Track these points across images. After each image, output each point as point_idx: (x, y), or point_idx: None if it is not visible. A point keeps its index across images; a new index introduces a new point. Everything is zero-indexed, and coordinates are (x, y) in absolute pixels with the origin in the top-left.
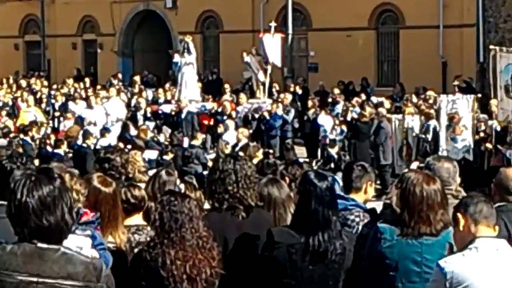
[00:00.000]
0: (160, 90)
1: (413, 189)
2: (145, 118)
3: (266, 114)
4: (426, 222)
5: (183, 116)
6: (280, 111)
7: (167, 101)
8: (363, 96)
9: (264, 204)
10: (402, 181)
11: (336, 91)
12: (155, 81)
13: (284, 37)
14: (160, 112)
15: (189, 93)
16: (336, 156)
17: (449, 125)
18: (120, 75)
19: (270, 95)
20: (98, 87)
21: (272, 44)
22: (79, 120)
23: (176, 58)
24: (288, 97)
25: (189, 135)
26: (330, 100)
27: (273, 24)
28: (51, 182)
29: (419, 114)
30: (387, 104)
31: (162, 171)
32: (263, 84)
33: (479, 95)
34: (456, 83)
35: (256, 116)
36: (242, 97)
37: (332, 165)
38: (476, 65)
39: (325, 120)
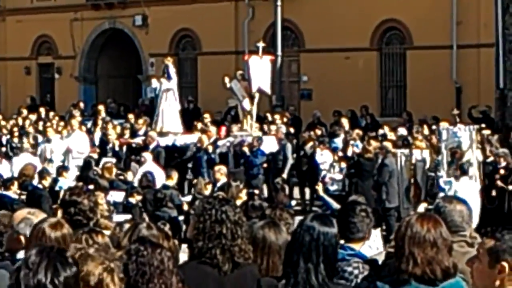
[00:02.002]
0: (129, 121)
1: (404, 230)
2: (114, 153)
3: (246, 149)
4: (410, 260)
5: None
6: (270, 146)
7: (137, 134)
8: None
9: (257, 249)
10: (399, 224)
11: (344, 121)
12: (121, 111)
13: (273, 60)
14: (133, 145)
15: (167, 124)
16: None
17: (451, 162)
18: (82, 104)
19: (262, 127)
20: (56, 118)
21: (260, 68)
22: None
23: (154, 83)
24: (283, 129)
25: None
26: (337, 131)
27: (261, 44)
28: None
29: (429, 149)
30: (391, 136)
31: (142, 224)
32: (249, 113)
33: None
34: (455, 112)
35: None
36: (234, 129)
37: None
38: (495, 92)
39: (323, 156)
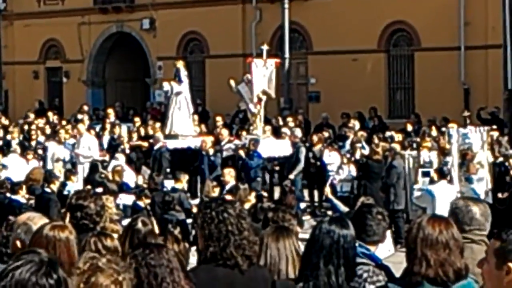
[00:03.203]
0: (136, 125)
1: (415, 232)
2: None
3: (241, 152)
4: (423, 262)
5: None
6: (283, 150)
7: (147, 137)
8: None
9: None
10: (410, 226)
11: (355, 122)
12: (130, 115)
13: (280, 62)
14: (143, 149)
15: (177, 127)
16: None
17: (462, 163)
18: (86, 107)
19: (274, 130)
20: (63, 122)
21: (263, 72)
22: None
23: (166, 86)
24: (298, 133)
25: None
26: (344, 133)
27: (265, 47)
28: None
29: (437, 150)
30: (398, 138)
31: (137, 223)
32: (256, 116)
33: (496, 128)
34: (466, 114)
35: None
36: (243, 133)
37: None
38: (503, 93)
39: (331, 158)
